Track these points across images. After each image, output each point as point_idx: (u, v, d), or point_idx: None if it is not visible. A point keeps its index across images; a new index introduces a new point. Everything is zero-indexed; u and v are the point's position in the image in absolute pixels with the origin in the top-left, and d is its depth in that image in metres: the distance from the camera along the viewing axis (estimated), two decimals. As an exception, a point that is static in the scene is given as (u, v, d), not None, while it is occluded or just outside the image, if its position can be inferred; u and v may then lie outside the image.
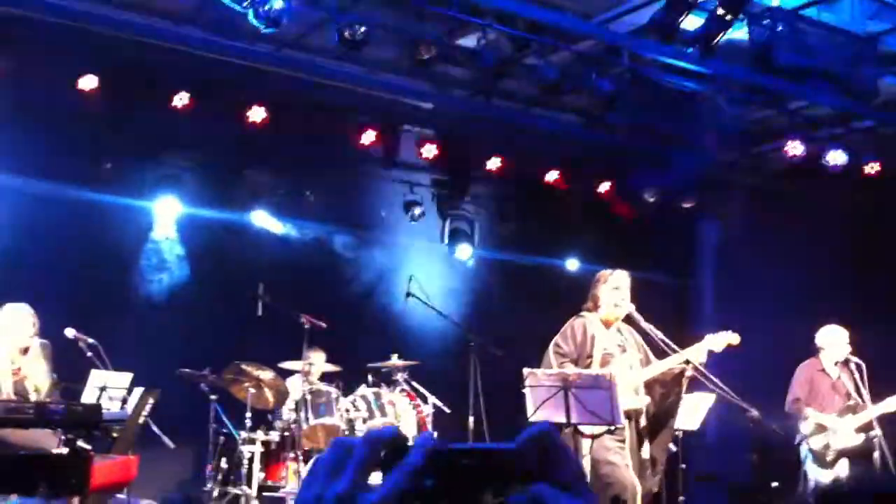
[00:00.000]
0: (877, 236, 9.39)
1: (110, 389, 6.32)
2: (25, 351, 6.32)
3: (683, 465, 8.31)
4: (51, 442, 5.28)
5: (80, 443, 4.83)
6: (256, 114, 8.46)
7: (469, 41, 8.22)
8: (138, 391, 6.28)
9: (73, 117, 8.01)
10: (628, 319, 6.72)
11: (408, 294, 8.22)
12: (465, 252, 10.28)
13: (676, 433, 8.15)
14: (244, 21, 6.97)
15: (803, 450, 8.06)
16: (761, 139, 9.90)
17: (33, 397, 6.10)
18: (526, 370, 6.16)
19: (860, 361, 7.85)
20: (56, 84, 7.82)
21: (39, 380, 6.33)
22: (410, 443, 1.04)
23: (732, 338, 6.62)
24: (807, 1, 8.19)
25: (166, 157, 8.64)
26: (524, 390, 6.19)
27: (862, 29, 8.66)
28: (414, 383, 8.39)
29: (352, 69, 8.62)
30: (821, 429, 7.97)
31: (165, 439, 6.74)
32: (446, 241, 10.27)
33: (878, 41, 8.78)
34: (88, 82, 7.95)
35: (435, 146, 9.35)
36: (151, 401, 6.16)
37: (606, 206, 10.47)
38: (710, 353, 6.60)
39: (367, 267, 9.50)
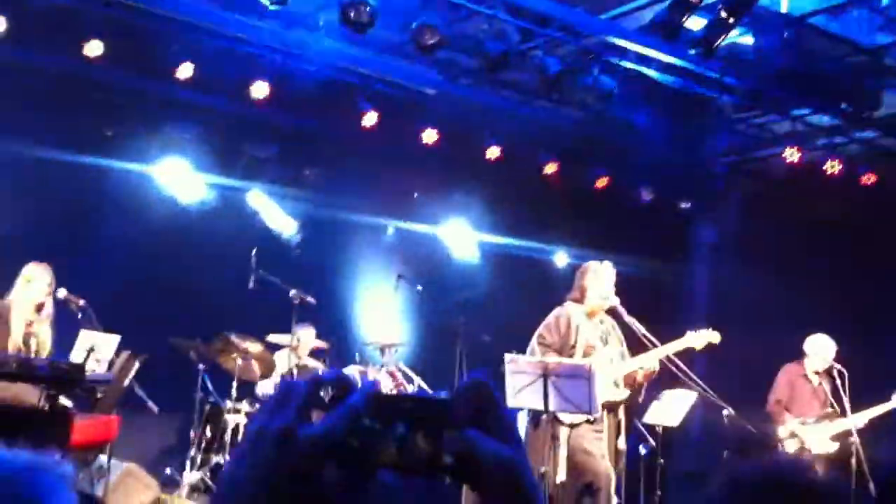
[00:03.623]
0: (870, 247, 9.43)
1: (98, 351, 6.41)
2: (39, 308, 6.56)
3: (662, 461, 8.38)
4: (34, 397, 5.38)
5: (62, 399, 4.91)
6: (259, 90, 8.50)
7: (474, 29, 8.28)
8: (123, 354, 6.38)
9: (78, 83, 8.09)
10: (612, 312, 6.80)
11: (398, 276, 8.31)
12: (459, 238, 10.36)
13: (657, 428, 8.23)
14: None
15: (779, 451, 8.16)
16: (761, 144, 9.93)
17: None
18: (507, 356, 6.24)
19: (842, 369, 7.92)
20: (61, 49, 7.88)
21: (45, 338, 6.56)
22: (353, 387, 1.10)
23: (713, 336, 6.70)
24: (814, 9, 8.22)
25: (167, 127, 8.71)
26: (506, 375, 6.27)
27: (869, 41, 8.68)
28: (401, 364, 8.47)
29: (356, 51, 8.67)
30: (795, 434, 8.08)
31: (150, 403, 6.85)
32: (441, 226, 10.34)
33: (884, 54, 8.81)
34: (94, 48, 7.99)
35: (435, 132, 9.40)
36: (136, 364, 6.26)
37: (602, 201, 10.50)
38: (691, 350, 6.68)
39: (359, 248, 9.57)
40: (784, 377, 8.35)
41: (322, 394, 1.09)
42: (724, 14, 7.23)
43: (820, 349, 8.22)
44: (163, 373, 7.39)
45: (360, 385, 1.09)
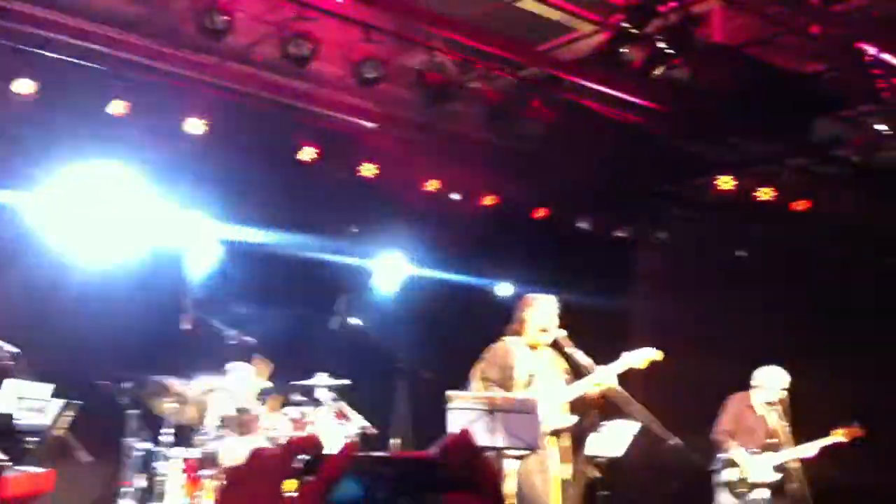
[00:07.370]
0: (805, 273, 9.58)
1: (28, 400, 6.14)
2: None
3: (606, 493, 8.32)
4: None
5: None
6: (194, 126, 8.33)
7: (414, 62, 8.22)
8: (56, 402, 6.13)
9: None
10: (554, 344, 6.74)
11: (337, 314, 8.17)
12: (399, 273, 10.25)
13: (600, 460, 8.18)
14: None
15: (717, 478, 8.20)
16: (695, 172, 10.02)
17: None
18: (450, 392, 6.12)
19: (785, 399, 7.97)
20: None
21: None
22: (326, 450, 1.05)
23: (654, 354, 6.58)
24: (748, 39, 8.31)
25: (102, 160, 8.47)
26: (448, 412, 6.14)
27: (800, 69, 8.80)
28: (341, 403, 8.28)
29: (295, 84, 8.56)
30: (734, 464, 8.12)
31: (82, 452, 6.57)
32: (378, 259, 10.23)
33: (816, 82, 8.93)
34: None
35: (375, 166, 9.31)
36: (71, 413, 6.01)
37: (542, 231, 10.50)
38: (631, 371, 6.58)
39: (296, 284, 9.39)
40: (731, 407, 8.41)
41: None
42: (662, 45, 7.27)
43: (769, 382, 8.24)
44: (92, 418, 7.10)
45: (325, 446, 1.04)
